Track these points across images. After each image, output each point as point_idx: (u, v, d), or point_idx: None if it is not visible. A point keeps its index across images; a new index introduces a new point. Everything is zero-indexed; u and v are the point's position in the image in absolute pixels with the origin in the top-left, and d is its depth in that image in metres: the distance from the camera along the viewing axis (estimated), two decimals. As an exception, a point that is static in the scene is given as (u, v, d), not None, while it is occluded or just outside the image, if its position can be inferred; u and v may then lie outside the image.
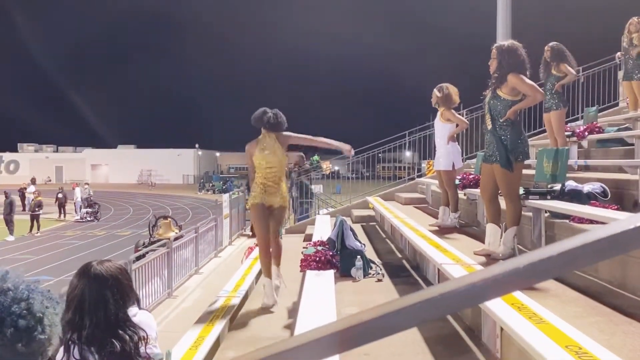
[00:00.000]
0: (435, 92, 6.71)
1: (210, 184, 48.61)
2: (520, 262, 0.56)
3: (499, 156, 4.48)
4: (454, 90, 6.71)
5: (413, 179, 12.63)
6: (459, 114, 7.60)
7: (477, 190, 6.37)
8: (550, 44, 7.18)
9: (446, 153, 6.71)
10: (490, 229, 4.73)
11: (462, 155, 11.26)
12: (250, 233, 11.89)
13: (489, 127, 4.61)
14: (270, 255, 5.36)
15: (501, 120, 4.49)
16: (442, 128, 6.78)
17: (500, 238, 4.62)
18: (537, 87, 4.54)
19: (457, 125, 6.77)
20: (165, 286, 7.95)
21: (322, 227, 8.18)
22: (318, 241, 6.29)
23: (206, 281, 8.94)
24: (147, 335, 2.12)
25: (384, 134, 13.26)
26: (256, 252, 8.12)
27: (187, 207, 33.00)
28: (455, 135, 6.84)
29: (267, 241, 5.31)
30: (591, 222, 4.17)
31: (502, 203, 4.73)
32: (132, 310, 2.15)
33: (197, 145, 70.96)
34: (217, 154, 79.73)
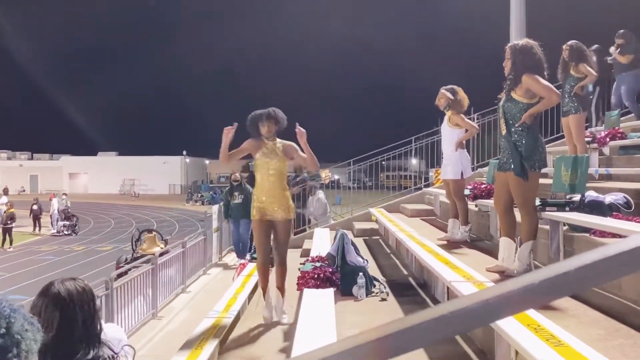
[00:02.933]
0: (447, 93, 6.71)
1: (199, 195, 48.59)
2: (536, 278, 0.57)
3: (513, 164, 4.50)
4: (464, 95, 6.75)
5: (420, 188, 12.64)
6: (469, 118, 7.63)
7: (490, 201, 6.38)
8: (569, 42, 7.22)
9: (454, 160, 6.73)
10: (504, 243, 4.73)
11: (473, 163, 11.31)
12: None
13: (504, 132, 4.64)
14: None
15: (516, 125, 4.52)
16: (450, 133, 6.79)
17: (515, 253, 4.62)
18: (553, 88, 4.57)
19: (466, 131, 6.79)
20: (150, 306, 7.92)
21: (321, 242, 8.17)
22: (316, 257, 6.28)
23: (194, 301, 8.90)
24: (115, 355, 2.17)
25: (388, 139, 13.33)
26: (249, 268, 8.12)
27: (173, 220, 32.97)
28: (464, 142, 6.86)
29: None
30: (614, 235, 4.17)
31: (517, 215, 4.74)
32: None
33: (184, 152, 70.99)
34: (207, 161, 79.60)
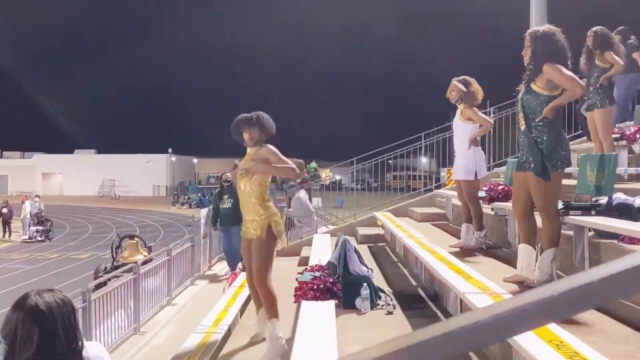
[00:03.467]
0: (459, 85, 6.72)
1: (186, 197, 48.63)
2: (555, 290, 0.58)
3: (533, 162, 4.51)
4: (478, 86, 6.75)
5: (430, 190, 12.65)
6: (484, 112, 7.63)
7: (508, 204, 6.38)
8: (594, 28, 7.23)
9: (467, 159, 6.73)
10: (524, 251, 4.74)
11: (489, 162, 11.30)
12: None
13: (522, 127, 4.65)
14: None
15: (536, 120, 4.53)
16: (463, 129, 6.80)
17: (536, 262, 4.63)
18: (577, 78, 4.58)
19: (480, 126, 6.79)
20: (132, 320, 7.93)
21: (321, 249, 8.18)
22: (316, 265, 6.28)
23: (180, 314, 8.91)
24: None
25: (395, 136, 13.34)
26: (241, 279, 8.13)
27: (157, 225, 32.98)
28: (479, 138, 6.87)
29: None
30: (644, 242, 4.18)
31: (538, 220, 4.74)
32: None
33: (170, 150, 71.01)
34: (195, 160, 79.68)
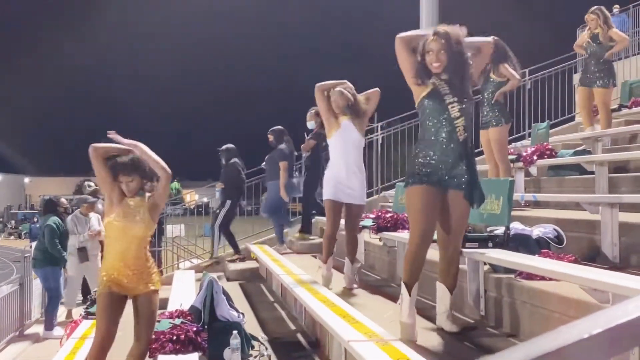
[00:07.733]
0: (347, 93, 6.53)
1: (13, 225, 46.69)
2: None
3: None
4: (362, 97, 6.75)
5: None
6: (369, 129, 7.68)
7: (398, 234, 6.57)
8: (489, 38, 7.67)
9: (363, 180, 6.75)
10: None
11: (376, 185, 11.61)
12: (82, 299, 11.39)
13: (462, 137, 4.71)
14: None
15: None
16: (359, 142, 6.65)
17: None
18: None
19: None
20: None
21: (183, 290, 8.05)
22: (176, 311, 6.18)
23: (4, 375, 8.45)
24: None
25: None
26: (83, 328, 7.82)
27: (-24, 261, 31.15)
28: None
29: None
30: (542, 278, 4.45)
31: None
32: None
33: (-7, 167, 67.75)
34: (26, 179, 76.85)
